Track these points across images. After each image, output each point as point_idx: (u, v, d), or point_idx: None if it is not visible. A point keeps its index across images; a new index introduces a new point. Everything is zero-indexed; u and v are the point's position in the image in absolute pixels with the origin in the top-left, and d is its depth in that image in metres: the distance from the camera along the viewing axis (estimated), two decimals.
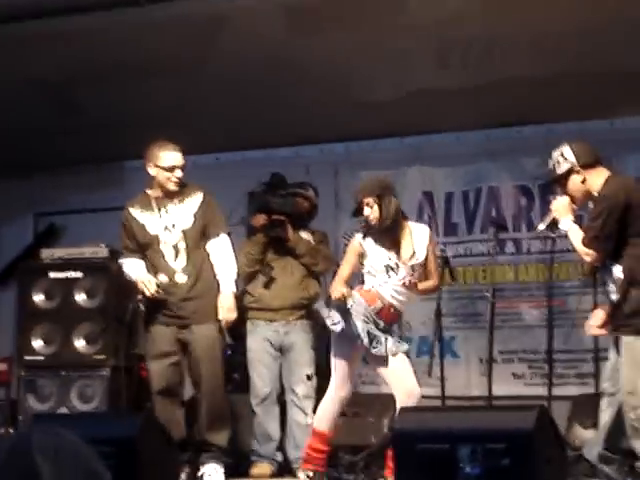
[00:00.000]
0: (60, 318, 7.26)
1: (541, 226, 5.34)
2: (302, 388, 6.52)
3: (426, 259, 5.68)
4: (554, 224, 5.20)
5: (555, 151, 5.11)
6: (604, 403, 5.05)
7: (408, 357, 5.63)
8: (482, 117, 7.38)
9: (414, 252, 5.64)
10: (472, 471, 4.42)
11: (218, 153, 8.23)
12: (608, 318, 5.01)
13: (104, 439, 4.68)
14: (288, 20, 6.53)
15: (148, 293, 5.83)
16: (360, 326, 5.44)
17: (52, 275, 7.35)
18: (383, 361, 5.49)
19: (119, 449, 4.77)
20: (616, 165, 6.90)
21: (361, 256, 5.66)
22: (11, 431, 6.24)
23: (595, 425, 5.38)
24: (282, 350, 6.63)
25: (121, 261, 6.20)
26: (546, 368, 6.57)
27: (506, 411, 5.11)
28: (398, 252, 5.62)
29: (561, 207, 5.12)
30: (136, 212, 6.04)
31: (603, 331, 5.17)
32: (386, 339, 5.47)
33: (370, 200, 5.58)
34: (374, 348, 5.44)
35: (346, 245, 6.38)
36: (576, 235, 5.02)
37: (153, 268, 5.95)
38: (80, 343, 7.21)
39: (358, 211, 5.65)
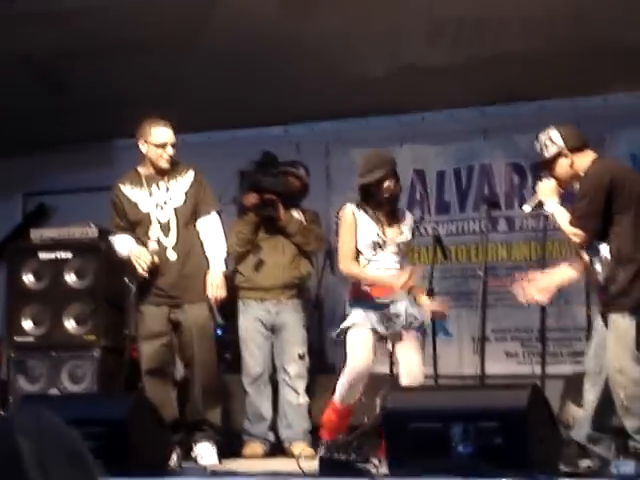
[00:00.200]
0: (50, 299, 7.22)
1: (526, 207, 5.35)
2: (294, 367, 6.50)
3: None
4: (539, 206, 5.22)
5: (542, 134, 5.11)
6: (588, 382, 5.04)
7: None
8: (474, 94, 7.34)
9: (402, 231, 5.69)
10: (464, 450, 4.40)
11: (209, 132, 8.17)
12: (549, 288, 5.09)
13: (95, 420, 4.68)
14: None
15: (140, 270, 5.78)
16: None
17: (42, 256, 7.29)
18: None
19: (110, 430, 4.76)
20: (609, 141, 6.91)
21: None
22: (1, 412, 6.21)
23: None
24: (274, 330, 6.60)
25: (111, 238, 6.14)
26: (539, 347, 6.54)
27: (499, 390, 5.08)
28: (389, 227, 5.65)
29: (547, 189, 5.14)
30: (127, 189, 5.99)
31: (542, 297, 5.19)
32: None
33: (391, 174, 5.62)
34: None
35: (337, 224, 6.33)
36: (563, 216, 5.03)
37: (143, 246, 5.90)
38: (70, 324, 7.17)
39: None
